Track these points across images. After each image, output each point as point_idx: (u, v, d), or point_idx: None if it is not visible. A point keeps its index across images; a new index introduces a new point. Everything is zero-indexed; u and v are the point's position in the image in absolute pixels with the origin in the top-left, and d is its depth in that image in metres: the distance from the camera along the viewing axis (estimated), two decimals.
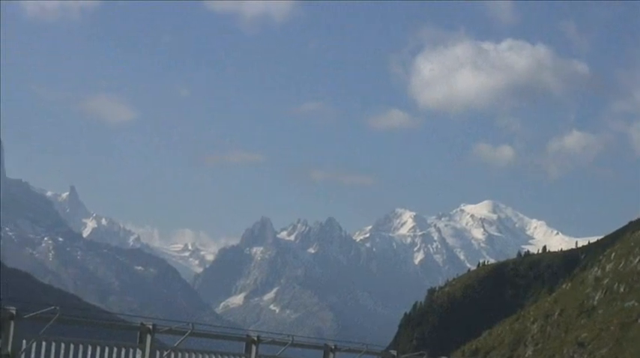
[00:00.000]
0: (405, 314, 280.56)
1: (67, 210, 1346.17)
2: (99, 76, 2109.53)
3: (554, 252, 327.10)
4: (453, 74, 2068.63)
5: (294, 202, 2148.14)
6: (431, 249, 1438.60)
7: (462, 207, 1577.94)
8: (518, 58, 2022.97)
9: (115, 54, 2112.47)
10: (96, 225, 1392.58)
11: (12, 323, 22.43)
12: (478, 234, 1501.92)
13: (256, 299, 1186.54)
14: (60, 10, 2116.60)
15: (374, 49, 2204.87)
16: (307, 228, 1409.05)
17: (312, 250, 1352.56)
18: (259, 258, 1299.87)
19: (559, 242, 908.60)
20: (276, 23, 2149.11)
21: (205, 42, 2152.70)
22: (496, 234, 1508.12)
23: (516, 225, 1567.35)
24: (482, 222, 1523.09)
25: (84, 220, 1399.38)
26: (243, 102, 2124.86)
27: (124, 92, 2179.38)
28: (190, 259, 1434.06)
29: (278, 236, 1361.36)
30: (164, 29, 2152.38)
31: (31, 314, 22.66)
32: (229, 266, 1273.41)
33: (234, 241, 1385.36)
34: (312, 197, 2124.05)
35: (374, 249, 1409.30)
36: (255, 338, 29.90)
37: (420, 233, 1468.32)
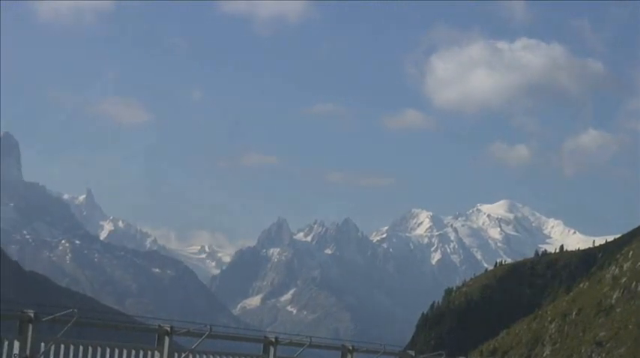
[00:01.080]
0: (423, 314, 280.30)
1: (84, 213, 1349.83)
2: (113, 78, 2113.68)
3: (572, 251, 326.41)
4: (468, 74, 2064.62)
5: (310, 203, 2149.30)
6: (448, 249, 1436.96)
7: (479, 207, 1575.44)
8: (532, 57, 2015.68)
9: (129, 56, 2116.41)
10: (113, 228, 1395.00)
11: (30, 326, 22.51)
12: (495, 233, 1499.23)
13: (273, 300, 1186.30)
14: (74, 11, 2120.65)
15: (388, 50, 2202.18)
16: (324, 229, 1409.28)
17: (328, 251, 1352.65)
18: (276, 260, 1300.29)
19: (576, 241, 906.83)
20: (290, 24, 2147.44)
21: (219, 43, 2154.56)
22: (513, 233, 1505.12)
23: (533, 225, 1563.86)
24: (499, 221, 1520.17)
25: (101, 223, 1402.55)
26: (258, 103, 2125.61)
27: (138, 94, 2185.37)
28: (207, 261, 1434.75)
29: (295, 237, 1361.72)
30: (178, 31, 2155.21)
31: (49, 317, 22.72)
32: (246, 267, 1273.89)
33: (251, 243, 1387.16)
34: (328, 198, 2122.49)
35: (391, 250, 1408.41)
36: (273, 340, 29.91)
37: (436, 233, 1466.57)
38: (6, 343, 22.27)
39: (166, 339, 26.20)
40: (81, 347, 23.88)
